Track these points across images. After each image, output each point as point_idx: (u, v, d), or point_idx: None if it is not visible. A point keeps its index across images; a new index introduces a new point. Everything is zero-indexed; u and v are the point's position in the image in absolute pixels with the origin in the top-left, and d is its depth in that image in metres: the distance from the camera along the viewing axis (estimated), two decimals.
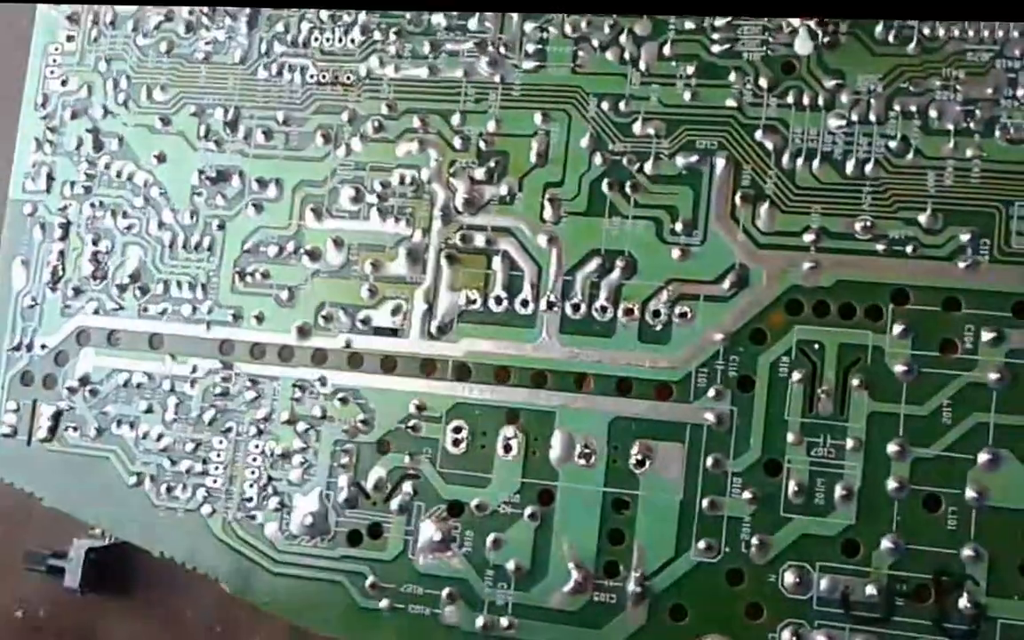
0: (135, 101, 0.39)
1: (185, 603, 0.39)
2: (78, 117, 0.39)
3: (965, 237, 0.31)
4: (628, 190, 0.34)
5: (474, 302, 0.34)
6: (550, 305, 0.34)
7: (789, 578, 0.30)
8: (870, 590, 0.30)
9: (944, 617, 0.29)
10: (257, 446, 0.35)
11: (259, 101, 0.38)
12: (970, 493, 0.30)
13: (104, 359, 0.38)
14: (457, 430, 0.34)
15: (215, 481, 0.36)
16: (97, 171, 0.39)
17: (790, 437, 0.31)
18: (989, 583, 0.29)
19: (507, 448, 0.33)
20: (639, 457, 0.32)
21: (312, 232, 0.36)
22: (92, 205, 0.39)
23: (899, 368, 0.31)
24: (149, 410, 0.37)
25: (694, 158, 0.34)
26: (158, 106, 0.39)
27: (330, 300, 0.36)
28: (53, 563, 0.39)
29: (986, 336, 0.30)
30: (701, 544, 0.31)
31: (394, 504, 0.34)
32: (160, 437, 0.36)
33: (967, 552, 0.29)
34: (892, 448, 0.30)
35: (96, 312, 0.38)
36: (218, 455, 0.36)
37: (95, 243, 0.38)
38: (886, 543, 0.30)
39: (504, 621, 0.32)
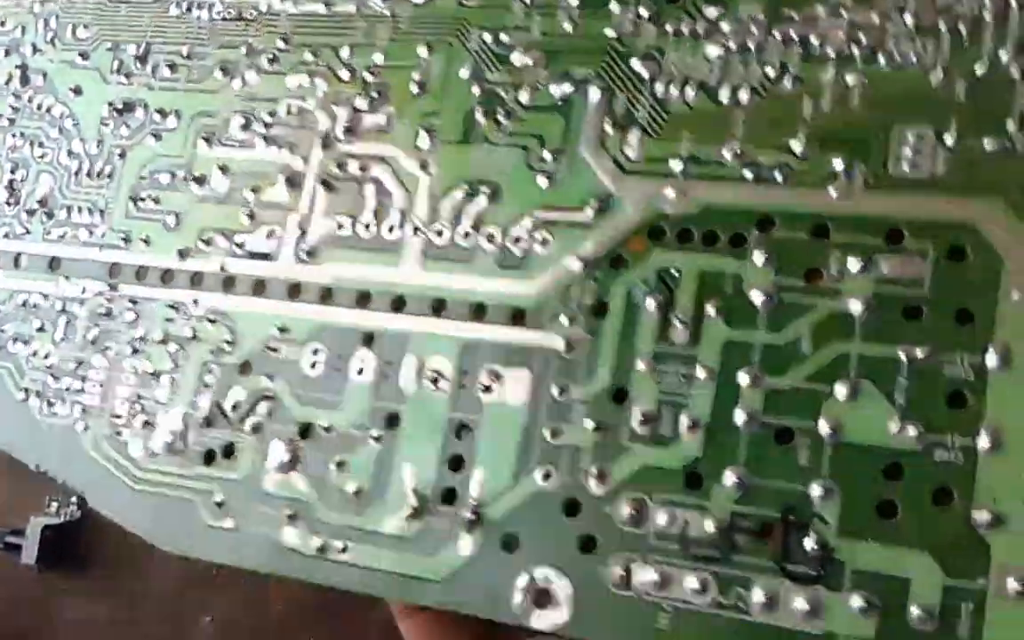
0: (60, 39, 0.41)
1: (141, 582, 0.40)
2: (10, 54, 0.41)
3: (839, 163, 0.29)
4: (501, 119, 0.33)
5: (344, 228, 0.34)
6: (415, 231, 0.33)
7: (625, 510, 0.28)
8: (709, 526, 0.27)
9: (788, 558, 0.27)
10: (131, 365, 0.36)
11: (169, 37, 0.39)
12: (825, 427, 0.27)
13: (9, 280, 0.39)
14: (315, 352, 0.33)
15: (91, 399, 0.36)
16: (22, 104, 0.41)
17: (640, 365, 0.29)
18: (840, 523, 0.26)
19: (360, 371, 0.32)
20: (486, 383, 0.31)
21: (202, 160, 0.37)
22: (14, 136, 0.40)
23: (758, 296, 0.29)
24: (41, 329, 0.38)
25: (569, 87, 0.33)
26: (79, 43, 0.40)
27: (212, 226, 0.36)
28: (10, 540, 0.40)
29: (854, 264, 0.28)
30: (539, 473, 0.29)
31: (249, 425, 0.33)
32: (48, 355, 0.37)
33: (817, 489, 0.27)
34: (744, 378, 0.28)
35: (6, 236, 0.39)
36: (96, 373, 0.36)
37: (13, 172, 0.40)
38: (731, 477, 0.27)
39: (339, 544, 0.31)
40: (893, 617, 0.25)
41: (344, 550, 0.31)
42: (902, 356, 0.27)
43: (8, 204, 0.40)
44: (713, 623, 0.27)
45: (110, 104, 0.39)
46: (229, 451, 0.33)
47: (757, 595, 0.26)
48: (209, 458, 0.34)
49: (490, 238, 0.32)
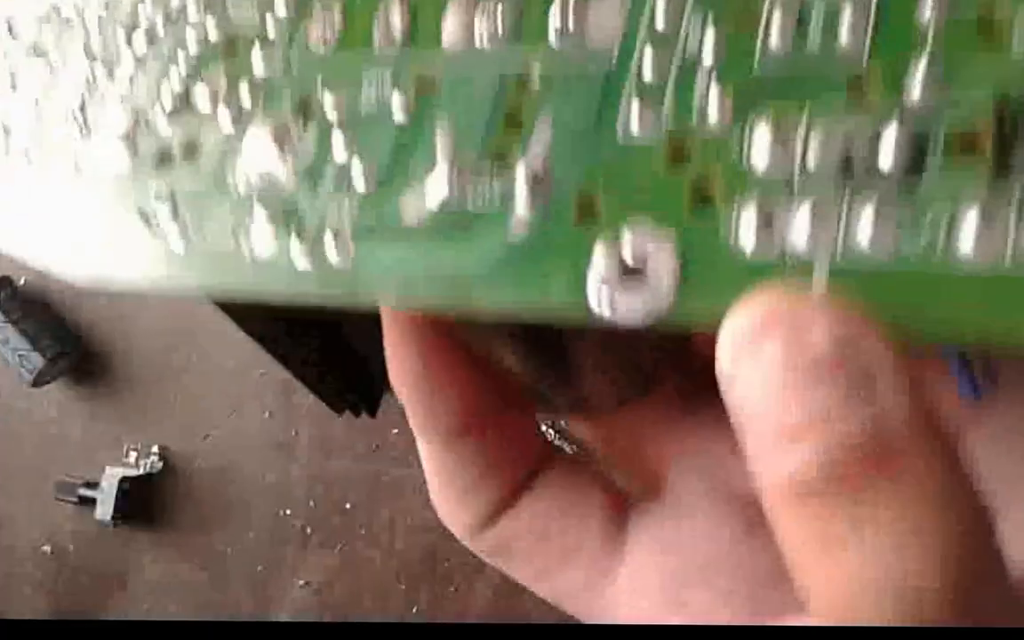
0: None
1: (225, 540, 0.32)
2: None
3: None
4: None
5: None
6: None
7: (759, 142, 0.18)
8: (886, 145, 0.17)
9: (1009, 156, 0.16)
10: (80, 67, 0.27)
11: None
12: None
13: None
14: (326, 23, 0.24)
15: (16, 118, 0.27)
16: None
17: None
18: None
19: (388, 35, 0.23)
20: (558, 25, 0.22)
21: None
22: None
23: None
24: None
25: None
26: None
27: None
28: (84, 493, 0.33)
29: None
30: (633, 121, 0.20)
31: (225, 112, 0.24)
32: None
33: None
34: None
35: None
36: (32, 86, 0.27)
37: None
38: (913, 86, 0.18)
39: (333, 250, 0.21)
40: None
41: (341, 251, 0.21)
42: None
43: None
44: (894, 279, 0.16)
45: None
46: (192, 150, 0.24)
47: (968, 228, 0.16)
48: (164, 160, 0.24)
49: None
